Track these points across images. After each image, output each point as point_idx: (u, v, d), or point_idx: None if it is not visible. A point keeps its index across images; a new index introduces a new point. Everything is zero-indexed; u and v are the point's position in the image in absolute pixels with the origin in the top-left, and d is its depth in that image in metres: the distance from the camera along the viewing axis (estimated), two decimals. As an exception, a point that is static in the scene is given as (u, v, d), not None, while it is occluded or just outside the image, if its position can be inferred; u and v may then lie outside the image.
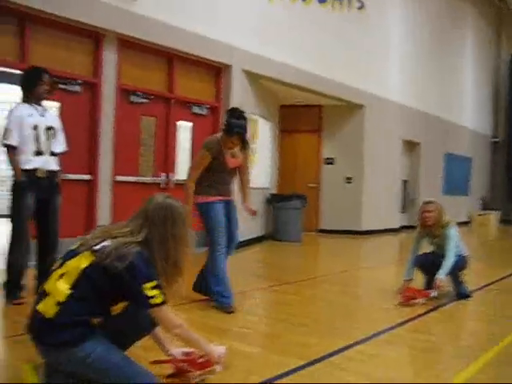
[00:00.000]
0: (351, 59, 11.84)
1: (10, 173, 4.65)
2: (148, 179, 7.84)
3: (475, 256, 6.90)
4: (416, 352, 3.72)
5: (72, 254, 2.57)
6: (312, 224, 12.34)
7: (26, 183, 4.57)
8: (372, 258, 9.46)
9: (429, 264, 5.46)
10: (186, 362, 2.88)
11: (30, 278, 4.74)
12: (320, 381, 3.01)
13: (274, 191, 11.48)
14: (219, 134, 4.86)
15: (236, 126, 4.66)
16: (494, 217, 18.09)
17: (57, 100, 6.54)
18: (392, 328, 4.25)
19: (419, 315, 4.68)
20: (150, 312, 2.58)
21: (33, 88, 4.71)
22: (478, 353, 3.68)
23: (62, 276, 2.51)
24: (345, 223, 12.34)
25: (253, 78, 9.51)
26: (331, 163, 12.53)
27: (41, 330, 2.47)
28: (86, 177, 6.98)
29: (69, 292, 2.45)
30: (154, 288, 2.50)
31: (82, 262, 2.50)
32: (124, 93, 7.45)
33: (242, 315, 4.55)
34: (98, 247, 2.52)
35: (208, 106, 8.84)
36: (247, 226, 9.60)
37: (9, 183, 4.70)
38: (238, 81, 9.14)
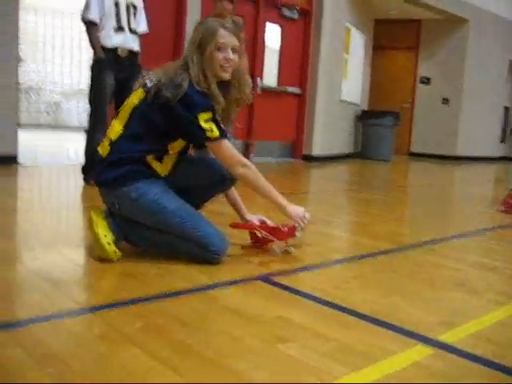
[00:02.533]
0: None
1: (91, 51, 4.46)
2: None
3: None
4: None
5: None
6: (403, 147, 11.71)
7: (106, 61, 4.35)
8: (468, 177, 8.80)
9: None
10: (267, 229, 2.55)
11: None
12: (415, 262, 2.65)
13: (365, 108, 10.86)
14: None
15: None
16: None
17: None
18: (493, 228, 3.79)
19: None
20: (209, 147, 2.30)
21: (112, -41, 4.41)
22: None
23: (117, 117, 2.35)
24: (438, 147, 11.59)
25: (348, -20, 8.83)
26: (427, 83, 11.68)
27: (97, 169, 2.38)
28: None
29: (121, 131, 2.28)
30: (209, 120, 2.21)
31: (134, 99, 2.31)
32: (211, -11, 7.05)
33: (325, 207, 4.23)
34: (149, 83, 2.28)
35: (298, 9, 8.29)
36: (335, 143, 9.19)
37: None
38: (332, -17, 8.49)
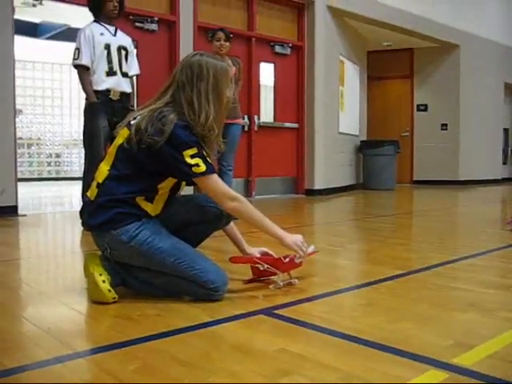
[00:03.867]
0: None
1: (83, 96, 4.47)
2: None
3: None
4: (537, 265, 3.16)
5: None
6: (406, 175, 11.65)
7: (99, 105, 4.36)
8: (472, 199, 8.69)
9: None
10: (268, 261, 2.44)
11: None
12: (423, 286, 2.55)
13: (364, 139, 10.83)
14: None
15: (217, 28, 5.19)
16: None
17: (134, 39, 6.34)
18: (505, 247, 3.69)
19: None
20: (197, 183, 2.21)
21: (101, 5, 4.46)
22: None
23: (104, 159, 2.31)
24: (441, 173, 11.52)
25: (337, 14, 8.91)
26: (425, 110, 11.70)
27: (85, 213, 2.34)
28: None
29: (108, 172, 2.23)
30: (195, 156, 2.14)
31: (119, 139, 2.26)
32: (203, 31, 7.13)
33: (330, 237, 4.15)
34: (132, 121, 2.23)
35: (291, 45, 8.37)
36: (336, 175, 9.14)
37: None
38: (322, 18, 8.58)
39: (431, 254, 3.37)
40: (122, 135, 2.25)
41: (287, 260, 2.40)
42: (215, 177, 2.21)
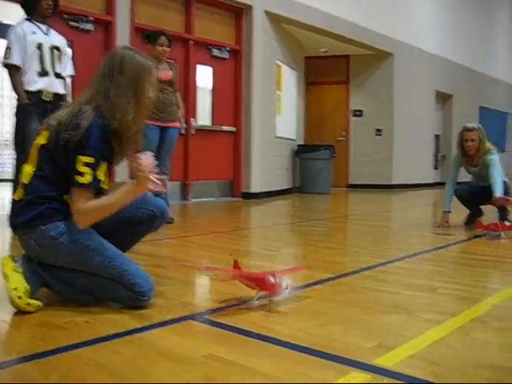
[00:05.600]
0: (379, 4, 11.22)
1: (14, 96, 4.33)
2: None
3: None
4: (462, 267, 3.30)
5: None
6: (342, 179, 11.88)
7: (31, 106, 4.23)
8: (405, 203, 8.97)
9: (471, 195, 4.99)
10: (254, 280, 2.24)
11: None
12: (352, 289, 2.62)
13: (301, 143, 10.98)
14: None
15: (157, 31, 5.12)
16: (531, 174, 17.23)
17: (68, 38, 6.20)
18: (433, 249, 3.83)
19: (464, 240, 4.25)
20: (71, 190, 2.12)
21: (34, 3, 4.34)
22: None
23: (27, 160, 2.23)
24: (375, 177, 11.82)
25: (275, 20, 9.00)
26: (360, 115, 11.98)
27: (12, 214, 2.24)
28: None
29: (33, 172, 2.17)
30: (88, 165, 2.07)
31: (41, 139, 2.20)
32: (139, 32, 7.04)
33: (264, 241, 4.18)
34: (53, 122, 2.17)
35: (229, 49, 8.39)
36: (273, 179, 9.23)
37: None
38: (260, 23, 8.64)
39: (362, 258, 3.46)
40: (43, 135, 2.19)
41: (271, 282, 2.19)
42: (88, 194, 2.11)
